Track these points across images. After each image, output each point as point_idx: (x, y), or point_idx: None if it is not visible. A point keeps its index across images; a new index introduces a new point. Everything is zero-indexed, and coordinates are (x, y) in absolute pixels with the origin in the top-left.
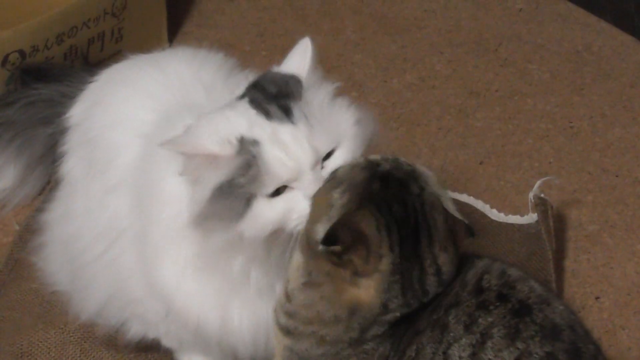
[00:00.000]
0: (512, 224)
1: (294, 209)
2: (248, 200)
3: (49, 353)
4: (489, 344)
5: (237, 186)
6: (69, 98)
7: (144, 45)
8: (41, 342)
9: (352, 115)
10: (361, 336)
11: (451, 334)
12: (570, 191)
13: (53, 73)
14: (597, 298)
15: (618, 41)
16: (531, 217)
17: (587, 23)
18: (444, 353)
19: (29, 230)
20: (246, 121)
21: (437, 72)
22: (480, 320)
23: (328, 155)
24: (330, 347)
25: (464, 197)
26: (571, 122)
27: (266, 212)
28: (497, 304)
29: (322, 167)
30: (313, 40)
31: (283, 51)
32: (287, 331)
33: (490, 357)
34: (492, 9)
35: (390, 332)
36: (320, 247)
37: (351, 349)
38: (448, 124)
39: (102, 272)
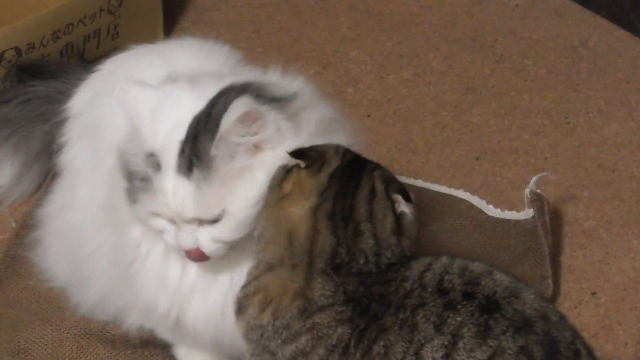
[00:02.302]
0: (509, 220)
1: (164, 231)
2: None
3: (45, 350)
4: (461, 344)
5: (133, 165)
6: (65, 95)
7: (140, 42)
8: (38, 339)
9: (252, 195)
10: (307, 286)
11: (422, 334)
12: (567, 187)
13: (49, 70)
14: (593, 294)
15: (614, 37)
16: (527, 213)
17: (583, 19)
18: (416, 354)
19: (25, 227)
20: (176, 126)
21: (432, 68)
22: (449, 320)
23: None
24: (276, 311)
25: (460, 193)
26: (567, 118)
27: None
28: (464, 302)
29: (200, 227)
30: (309, 37)
31: (279, 48)
32: (238, 307)
33: (463, 358)
34: (488, 5)
35: (347, 315)
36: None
37: (302, 322)
38: (444, 120)
39: (102, 262)
